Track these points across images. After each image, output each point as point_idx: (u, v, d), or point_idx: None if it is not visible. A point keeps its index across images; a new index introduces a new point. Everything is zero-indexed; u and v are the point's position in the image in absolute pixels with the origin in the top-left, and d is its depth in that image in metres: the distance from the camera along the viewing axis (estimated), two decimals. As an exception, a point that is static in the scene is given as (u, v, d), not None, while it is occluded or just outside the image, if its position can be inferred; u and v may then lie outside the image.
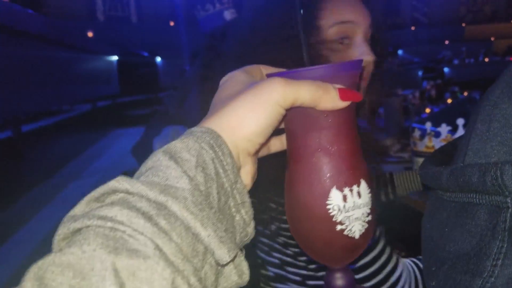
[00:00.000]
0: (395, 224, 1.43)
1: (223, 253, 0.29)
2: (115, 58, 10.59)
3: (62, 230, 0.28)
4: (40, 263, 0.26)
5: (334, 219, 0.37)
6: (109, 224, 0.26)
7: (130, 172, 1.13)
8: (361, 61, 0.40)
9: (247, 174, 0.36)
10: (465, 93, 4.37)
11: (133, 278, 0.24)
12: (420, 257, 0.88)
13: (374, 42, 0.88)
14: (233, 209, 0.33)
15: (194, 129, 0.33)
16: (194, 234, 0.28)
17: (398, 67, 7.38)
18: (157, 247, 0.26)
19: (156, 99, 9.36)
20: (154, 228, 0.26)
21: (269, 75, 0.39)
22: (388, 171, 1.46)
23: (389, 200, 1.26)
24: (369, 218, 0.39)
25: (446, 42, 11.30)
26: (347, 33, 0.79)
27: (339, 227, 0.37)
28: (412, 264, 0.85)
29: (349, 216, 0.37)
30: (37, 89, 6.07)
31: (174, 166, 0.30)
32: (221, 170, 0.32)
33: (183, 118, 1.92)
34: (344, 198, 0.37)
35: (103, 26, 11.95)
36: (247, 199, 0.34)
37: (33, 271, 0.25)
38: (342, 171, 0.38)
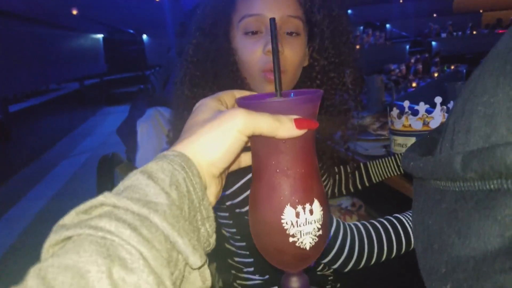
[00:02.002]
0: (371, 196, 1.49)
1: (196, 259, 0.34)
2: (101, 36, 10.39)
3: (54, 237, 0.31)
4: (39, 265, 0.28)
5: (287, 232, 0.42)
6: (100, 233, 0.30)
7: (116, 154, 1.17)
8: (320, 93, 0.44)
9: (212, 194, 0.41)
10: (452, 67, 4.39)
11: (123, 283, 0.28)
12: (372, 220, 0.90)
13: (312, 35, 0.92)
14: (199, 222, 0.37)
15: (167, 153, 0.38)
16: (172, 242, 0.33)
17: (386, 41, 7.37)
18: (142, 256, 0.30)
19: (143, 77, 9.27)
20: (139, 237, 0.30)
21: (237, 102, 0.44)
22: (366, 152, 1.50)
23: (366, 188, 1.31)
24: (320, 232, 0.44)
25: (434, 15, 11.22)
26: (255, 26, 0.85)
27: (291, 239, 0.42)
28: (357, 223, 0.89)
29: (301, 231, 0.42)
30: (23, 69, 5.99)
31: (152, 185, 0.34)
32: (191, 188, 0.36)
33: (167, 98, 1.94)
34: (297, 214, 0.42)
35: (88, 3, 11.66)
36: (211, 214, 0.38)
37: (34, 271, 0.28)
38: (296, 191, 0.43)
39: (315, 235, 0.43)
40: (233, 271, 1.04)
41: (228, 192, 0.84)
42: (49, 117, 6.55)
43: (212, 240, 0.39)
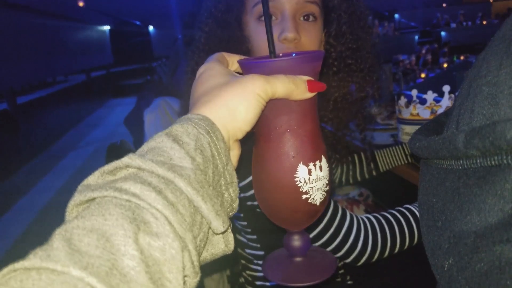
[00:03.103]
0: (378, 186, 1.48)
1: (218, 224, 0.34)
2: (107, 27, 10.40)
3: (78, 197, 0.31)
4: (64, 227, 0.28)
5: (300, 190, 0.43)
6: (125, 196, 0.30)
7: (124, 142, 1.17)
8: (321, 53, 0.45)
9: (235, 157, 0.41)
10: (462, 57, 4.33)
11: (149, 247, 0.28)
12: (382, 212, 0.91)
13: (329, 20, 0.89)
14: (223, 187, 0.37)
15: (191, 116, 0.38)
16: (196, 207, 0.33)
17: (394, 32, 7.28)
18: (167, 220, 0.30)
19: (150, 68, 9.27)
20: (164, 201, 0.30)
21: (242, 64, 0.45)
22: (374, 141, 1.49)
23: (373, 177, 1.30)
24: (327, 188, 0.45)
25: (444, 5, 11.08)
26: (270, 12, 0.80)
27: (304, 196, 0.44)
28: (370, 217, 0.87)
29: (313, 187, 0.44)
30: (31, 61, 6.02)
31: (177, 148, 0.34)
32: (215, 153, 0.36)
33: (174, 89, 1.94)
34: (309, 172, 0.43)
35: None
36: (235, 179, 0.39)
37: (60, 233, 0.28)
38: (308, 149, 0.44)
39: (324, 191, 0.45)
40: (243, 261, 1.04)
41: (240, 185, 0.83)
42: (56, 109, 6.59)
43: (235, 205, 0.39)
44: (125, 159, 0.33)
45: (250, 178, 0.80)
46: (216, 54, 0.47)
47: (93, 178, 0.33)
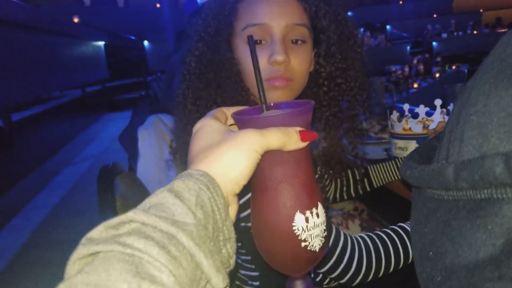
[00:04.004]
0: (373, 200, 1.48)
1: (219, 281, 0.35)
2: (102, 43, 10.44)
3: (82, 251, 0.32)
4: (69, 282, 0.29)
5: (299, 238, 0.44)
6: (129, 250, 0.30)
7: (116, 164, 1.17)
8: (312, 105, 0.47)
9: (233, 212, 0.43)
10: (454, 67, 4.38)
11: None
12: (376, 231, 0.89)
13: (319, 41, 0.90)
14: (221, 243, 0.38)
15: (192, 172, 0.39)
16: (197, 262, 0.34)
17: (386, 43, 7.36)
18: (171, 273, 0.30)
19: (145, 83, 9.30)
20: (167, 255, 0.31)
21: (236, 118, 0.47)
22: (368, 155, 1.49)
23: (367, 192, 1.30)
24: (325, 233, 0.47)
25: (435, 15, 11.22)
26: (259, 35, 0.82)
27: (303, 244, 0.44)
28: (364, 236, 0.87)
29: (311, 234, 0.45)
30: (25, 77, 6.01)
31: (179, 204, 0.35)
32: (215, 208, 0.37)
33: (168, 105, 1.95)
34: (306, 219, 0.44)
35: (90, 11, 11.73)
36: (233, 235, 0.40)
37: (64, 286, 0.29)
38: (304, 197, 0.45)
39: (323, 236, 0.46)
40: (237, 282, 1.03)
41: None
42: (51, 125, 6.57)
43: (232, 261, 0.40)
44: (130, 214, 0.34)
45: (244, 199, 0.81)
46: (214, 110, 0.49)
47: (96, 232, 0.34)
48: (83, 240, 0.33)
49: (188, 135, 0.89)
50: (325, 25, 0.89)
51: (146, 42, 11.97)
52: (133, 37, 11.94)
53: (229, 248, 0.39)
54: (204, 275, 0.35)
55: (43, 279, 2.51)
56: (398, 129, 1.29)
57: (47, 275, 2.48)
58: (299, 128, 0.44)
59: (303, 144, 0.44)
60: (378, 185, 1.26)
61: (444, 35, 8.43)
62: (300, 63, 0.84)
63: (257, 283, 0.97)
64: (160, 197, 0.36)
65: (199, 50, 0.89)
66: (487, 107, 0.30)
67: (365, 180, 1.27)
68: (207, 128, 0.45)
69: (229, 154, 0.40)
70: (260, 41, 0.83)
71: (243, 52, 0.85)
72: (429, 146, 0.43)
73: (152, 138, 1.69)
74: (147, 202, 0.37)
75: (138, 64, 11.10)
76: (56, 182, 4.84)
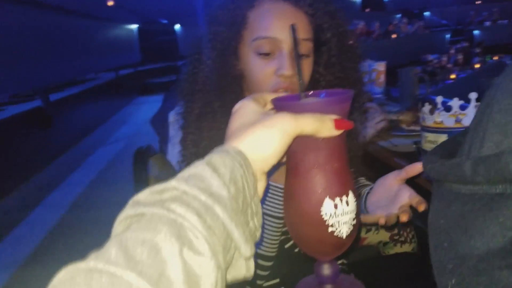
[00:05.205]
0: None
1: (247, 249, 0.38)
2: (136, 26, 10.61)
3: (129, 211, 0.36)
4: (119, 237, 0.32)
5: (326, 223, 0.45)
6: (172, 215, 0.34)
7: (150, 147, 1.22)
8: (351, 93, 0.47)
9: (261, 188, 0.44)
10: (495, 58, 4.16)
11: (190, 262, 0.32)
12: None
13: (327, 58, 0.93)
14: (249, 217, 0.41)
15: (229, 149, 0.42)
16: (229, 232, 0.37)
17: (424, 30, 7.10)
18: (206, 240, 0.34)
19: (176, 67, 9.41)
20: (203, 224, 0.34)
21: (275, 102, 0.49)
22: (397, 147, 1.44)
23: None
24: (354, 222, 0.47)
25: (478, 2, 10.70)
26: (268, 48, 0.85)
27: (330, 229, 0.46)
28: None
29: (339, 221, 0.46)
30: (62, 59, 6.22)
31: (216, 177, 0.38)
32: (246, 185, 0.40)
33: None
34: (335, 206, 0.46)
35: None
36: (260, 210, 0.42)
37: (115, 242, 0.32)
38: (334, 185, 0.46)
39: (351, 224, 0.47)
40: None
41: None
42: (86, 106, 6.79)
43: (258, 234, 0.42)
44: (173, 182, 0.37)
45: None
46: (255, 93, 0.52)
47: (142, 196, 0.37)
48: (130, 202, 0.37)
49: (197, 138, 0.95)
50: (328, 37, 0.91)
51: (177, 26, 12.06)
52: (165, 21, 12.06)
53: (256, 222, 0.41)
54: (234, 244, 0.38)
55: (77, 252, 2.63)
56: (429, 122, 1.25)
57: (81, 248, 2.60)
58: (334, 116, 0.45)
59: (337, 132, 0.45)
60: None
61: (487, 24, 8.03)
62: (304, 76, 0.87)
63: (265, 273, 1.00)
64: (199, 169, 0.39)
65: (206, 53, 0.91)
66: (510, 105, 0.31)
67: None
68: (245, 109, 0.48)
69: (261, 133, 0.42)
70: (269, 53, 0.85)
71: (250, 62, 0.87)
72: (454, 141, 0.44)
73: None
74: (186, 172, 0.39)
75: (169, 49, 11.22)
76: (91, 161, 5.02)
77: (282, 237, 0.95)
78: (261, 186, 0.44)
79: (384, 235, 1.37)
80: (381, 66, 2.24)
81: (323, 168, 0.46)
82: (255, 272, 0.96)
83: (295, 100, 0.50)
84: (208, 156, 0.41)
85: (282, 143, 0.42)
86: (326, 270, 0.50)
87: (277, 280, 1.00)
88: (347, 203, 0.46)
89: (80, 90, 7.07)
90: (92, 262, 0.30)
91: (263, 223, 0.89)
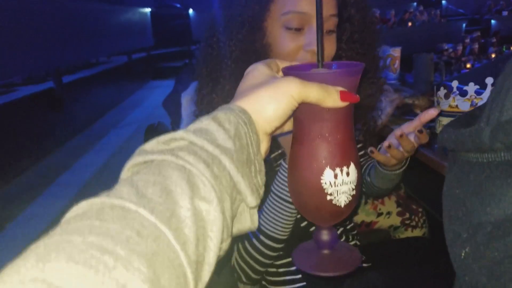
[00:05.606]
0: (412, 178, 1.46)
1: (253, 199, 0.39)
2: (148, 9, 10.58)
3: (137, 159, 0.37)
4: (129, 179, 0.33)
5: (325, 192, 0.47)
6: (181, 162, 0.35)
7: (161, 124, 1.22)
8: (361, 66, 0.48)
9: (263, 149, 0.45)
10: (512, 48, 4.08)
11: (199, 208, 0.33)
12: None
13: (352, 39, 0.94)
14: (253, 174, 0.41)
15: (233, 107, 0.42)
16: (235, 182, 0.38)
17: (441, 19, 6.95)
18: (213, 188, 0.35)
19: (189, 51, 9.39)
20: (211, 173, 0.35)
21: (285, 71, 0.49)
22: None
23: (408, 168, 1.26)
24: (354, 192, 0.49)
25: (497, -9, 10.41)
26: (298, 23, 0.84)
27: (329, 198, 0.47)
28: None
29: (338, 190, 0.47)
30: (75, 42, 6.24)
31: (222, 131, 0.39)
32: (250, 142, 0.41)
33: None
34: (335, 176, 0.47)
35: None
36: (263, 168, 0.43)
37: (126, 182, 0.33)
38: (336, 155, 0.47)
39: (350, 195, 0.48)
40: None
41: None
42: (99, 89, 6.83)
43: (261, 191, 0.43)
44: (180, 132, 0.38)
45: None
46: (268, 59, 0.52)
47: (149, 145, 0.38)
48: (138, 151, 0.38)
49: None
50: (352, 14, 0.93)
51: (191, 11, 11.98)
52: (178, 5, 12.00)
53: (259, 179, 0.42)
54: (240, 195, 0.39)
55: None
56: (444, 106, 1.25)
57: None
58: (340, 88, 0.45)
59: (341, 104, 0.45)
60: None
61: (505, 13, 7.83)
62: (329, 52, 0.88)
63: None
64: (204, 123, 0.40)
65: (230, 27, 0.91)
66: None
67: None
68: (256, 71, 0.48)
69: (266, 94, 0.43)
70: (299, 29, 0.85)
71: (278, 36, 0.86)
72: (470, 114, 0.43)
73: (194, 103, 1.73)
74: (191, 126, 0.40)
75: (182, 33, 11.17)
76: (103, 143, 5.07)
77: (298, 216, 0.96)
78: (263, 147, 0.45)
79: (395, 219, 1.37)
80: (396, 52, 2.21)
81: (326, 138, 0.47)
82: (265, 252, 0.98)
83: (305, 70, 0.51)
84: (213, 112, 0.42)
85: (286, 106, 0.43)
86: (325, 236, 0.52)
87: (290, 259, 1.01)
88: (347, 173, 0.47)
89: (93, 73, 7.10)
90: (104, 197, 0.31)
91: (278, 207, 0.90)
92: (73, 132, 5.39)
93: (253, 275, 0.98)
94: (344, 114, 0.47)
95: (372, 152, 0.92)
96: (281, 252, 0.99)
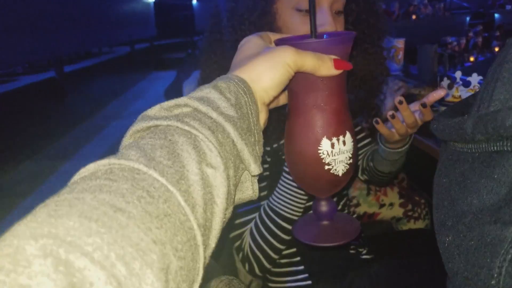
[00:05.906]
0: (415, 170, 1.46)
1: (255, 167, 0.39)
2: (151, 0, 10.53)
3: (141, 124, 0.36)
4: (135, 143, 0.33)
5: (323, 161, 0.47)
6: (186, 127, 0.34)
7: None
8: (353, 35, 0.48)
9: (262, 120, 0.45)
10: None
11: (206, 172, 0.33)
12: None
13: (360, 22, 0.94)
14: (253, 144, 0.41)
15: (232, 76, 0.42)
16: (239, 150, 0.38)
17: (445, 12, 6.90)
18: (219, 154, 0.34)
19: (192, 42, 9.36)
20: (215, 138, 0.35)
21: (278, 42, 0.49)
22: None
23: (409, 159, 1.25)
24: (351, 161, 0.49)
25: (502, -15, 10.31)
26: (307, 4, 0.83)
27: (326, 167, 0.48)
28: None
29: (335, 159, 0.48)
30: (78, 31, 6.22)
31: (223, 99, 0.38)
32: (249, 112, 0.40)
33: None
34: (332, 145, 0.47)
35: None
36: (261, 138, 0.43)
37: (132, 145, 0.32)
38: (332, 124, 0.47)
39: (347, 163, 0.49)
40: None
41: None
42: (101, 79, 6.83)
43: (260, 161, 0.43)
44: (185, 99, 0.37)
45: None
46: (260, 32, 0.52)
47: (153, 111, 0.37)
48: (140, 117, 0.37)
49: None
50: None
51: (194, 1, 11.92)
52: (182, -4, 11.94)
53: (258, 149, 0.42)
54: (243, 163, 0.39)
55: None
56: (447, 96, 1.25)
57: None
58: (334, 56, 0.45)
59: (336, 72, 0.45)
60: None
61: (508, 7, 7.76)
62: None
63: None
64: (205, 91, 0.39)
65: (239, 12, 0.89)
66: None
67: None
68: (250, 43, 0.48)
69: (262, 64, 0.43)
70: (307, 10, 0.83)
71: (289, 18, 0.85)
72: (464, 103, 0.44)
73: (197, 93, 1.73)
74: (193, 94, 0.39)
75: (185, 24, 11.14)
76: (105, 134, 5.07)
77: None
78: (262, 117, 0.44)
79: (397, 211, 1.37)
80: (400, 43, 2.20)
81: (322, 108, 0.47)
82: (280, 236, 0.97)
83: (298, 41, 0.51)
84: (213, 81, 0.41)
85: (282, 75, 0.43)
86: (324, 207, 0.52)
87: (294, 249, 1.02)
88: (343, 142, 0.48)
89: (95, 62, 7.09)
90: (113, 159, 0.30)
91: (290, 194, 0.90)
92: (75, 122, 5.39)
93: (266, 264, 0.97)
94: (338, 83, 0.47)
95: (377, 122, 0.91)
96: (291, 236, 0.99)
